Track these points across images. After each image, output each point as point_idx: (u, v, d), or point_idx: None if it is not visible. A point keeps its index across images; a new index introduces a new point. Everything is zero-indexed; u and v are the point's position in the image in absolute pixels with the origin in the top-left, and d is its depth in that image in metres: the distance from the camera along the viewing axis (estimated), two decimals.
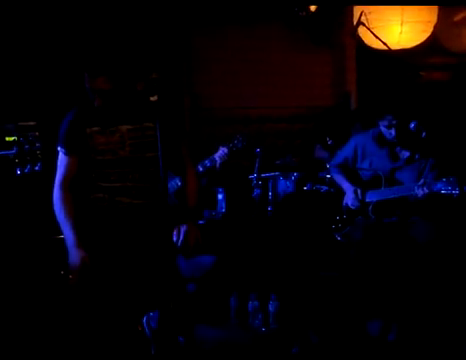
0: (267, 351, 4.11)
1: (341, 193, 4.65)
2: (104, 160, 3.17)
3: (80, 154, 3.18)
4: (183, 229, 3.18)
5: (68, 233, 3.11)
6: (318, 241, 5.02)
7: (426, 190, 4.09)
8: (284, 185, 5.65)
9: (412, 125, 4.26)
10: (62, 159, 3.21)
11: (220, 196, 5.57)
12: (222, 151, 4.72)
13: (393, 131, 4.31)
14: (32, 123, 5.07)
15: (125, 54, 3.18)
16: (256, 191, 5.45)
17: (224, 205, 5.57)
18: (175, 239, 3.17)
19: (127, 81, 3.10)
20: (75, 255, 3.07)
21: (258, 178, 5.45)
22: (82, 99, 3.20)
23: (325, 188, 5.33)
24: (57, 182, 3.20)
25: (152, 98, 3.09)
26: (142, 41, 5.73)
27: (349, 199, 4.54)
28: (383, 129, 4.37)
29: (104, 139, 3.16)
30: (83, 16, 5.64)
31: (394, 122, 4.28)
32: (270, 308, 4.44)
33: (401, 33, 5.46)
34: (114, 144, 3.17)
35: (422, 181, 4.15)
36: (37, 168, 2.93)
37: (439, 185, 4.04)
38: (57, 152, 3.23)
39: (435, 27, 5.60)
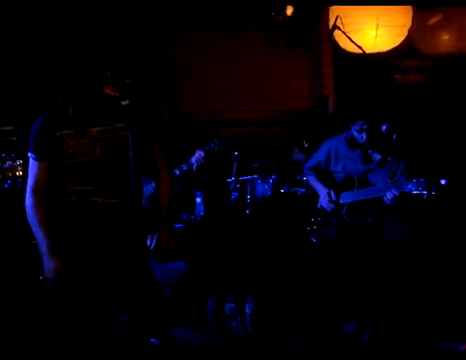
0: (244, 353, 4.13)
1: (317, 195, 4.69)
2: (75, 163, 3.15)
3: (51, 159, 3.15)
4: (156, 234, 3.20)
5: (41, 241, 3.08)
6: (295, 243, 5.05)
7: (395, 191, 4.14)
8: (262, 188, 5.68)
9: (384, 128, 4.31)
10: (33, 165, 3.16)
11: (198, 199, 5.59)
12: (198, 154, 4.74)
13: (364, 135, 4.36)
14: (9, 128, 5.09)
15: (94, 62, 3.17)
16: (234, 194, 5.48)
17: (202, 208, 5.58)
18: (149, 243, 3.19)
19: (97, 88, 3.11)
20: (49, 264, 3.05)
21: (236, 181, 5.49)
22: (52, 104, 3.20)
23: (302, 190, 5.37)
24: (29, 189, 3.15)
25: (123, 102, 3.12)
26: (118, 46, 5.74)
27: (324, 201, 4.58)
28: (355, 133, 4.42)
29: (74, 142, 3.14)
30: (60, 20, 5.64)
31: (365, 127, 4.33)
32: (247, 310, 4.46)
33: (376, 37, 5.53)
34: (85, 146, 3.14)
35: (390, 181, 4.21)
36: (18, 184, 2.96)
37: (410, 186, 4.08)
38: (27, 159, 3.20)
39: (410, 31, 5.66)
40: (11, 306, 4.08)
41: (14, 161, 2.85)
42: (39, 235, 3.10)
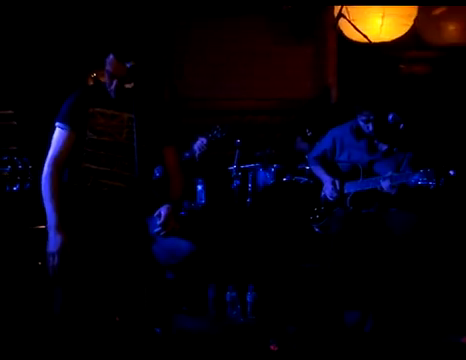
0: (244, 342, 4.11)
1: (320, 184, 4.66)
2: (99, 141, 3.22)
3: (79, 131, 3.21)
4: (164, 210, 3.19)
5: (51, 214, 3.11)
6: (297, 232, 5.03)
7: (388, 182, 4.14)
8: (264, 176, 5.65)
9: (390, 117, 4.28)
10: (60, 135, 3.23)
11: (200, 187, 5.55)
12: (201, 141, 4.72)
13: (370, 126, 4.33)
14: (10, 112, 5.06)
15: (142, 45, 3.27)
16: (236, 182, 5.45)
17: (203, 196, 5.55)
18: (155, 216, 3.19)
19: (142, 71, 3.18)
20: (55, 237, 3.07)
21: (238, 169, 5.46)
22: (85, 83, 3.29)
23: (304, 180, 5.34)
24: (50, 158, 3.21)
25: (128, 85, 3.15)
26: (121, 29, 5.71)
27: (327, 190, 4.55)
28: (361, 123, 4.39)
29: (104, 121, 3.23)
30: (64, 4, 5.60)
31: (372, 117, 4.30)
32: (248, 299, 4.45)
33: (382, 26, 5.47)
34: (112, 128, 3.24)
35: (389, 173, 4.21)
36: (26, 187, 2.98)
37: (416, 176, 4.06)
38: (53, 128, 3.25)
39: (415, 20, 5.62)
40: (12, 291, 4.08)
41: (26, 166, 2.89)
42: (49, 207, 3.13)
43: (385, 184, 4.19)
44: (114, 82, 3.18)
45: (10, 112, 5.03)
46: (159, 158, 3.46)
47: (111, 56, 3.17)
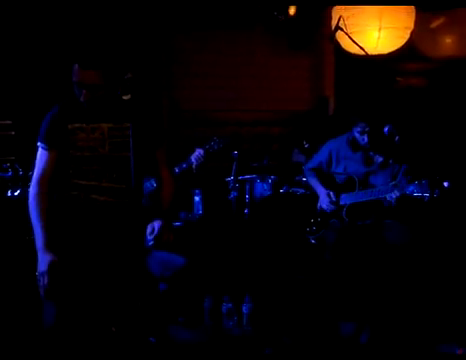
0: (241, 353, 4.11)
1: (317, 196, 4.67)
2: (82, 156, 3.17)
3: (60, 150, 3.17)
4: (157, 224, 3.18)
5: (38, 234, 3.07)
6: (293, 244, 5.04)
7: (397, 193, 4.13)
8: (261, 188, 5.67)
9: (386, 129, 4.30)
10: (42, 155, 3.19)
11: (197, 198, 5.57)
12: (198, 152, 4.72)
13: (366, 137, 4.35)
14: (8, 122, 5.08)
15: (116, 50, 3.19)
16: (233, 193, 5.45)
17: (201, 207, 5.56)
18: (149, 231, 3.18)
19: (116, 78, 3.10)
20: (43, 257, 3.03)
21: (235, 181, 5.45)
22: (64, 96, 3.21)
23: (301, 191, 5.35)
24: (35, 179, 3.17)
25: (125, 97, 3.11)
26: (122, 41, 5.73)
27: (323, 202, 4.56)
28: (357, 135, 4.41)
29: (85, 135, 3.16)
30: (63, 14, 5.62)
31: (367, 129, 4.32)
32: (244, 310, 4.43)
33: (379, 38, 5.49)
34: (94, 141, 3.17)
35: (393, 183, 4.19)
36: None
37: (411, 188, 4.07)
38: (37, 148, 3.22)
39: (412, 33, 5.65)
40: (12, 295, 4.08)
41: (27, 172, 2.90)
42: (37, 227, 3.09)
43: (393, 196, 4.17)
44: (83, 92, 3.05)
45: (8, 122, 5.05)
46: (152, 167, 3.42)
47: (76, 65, 3.05)
